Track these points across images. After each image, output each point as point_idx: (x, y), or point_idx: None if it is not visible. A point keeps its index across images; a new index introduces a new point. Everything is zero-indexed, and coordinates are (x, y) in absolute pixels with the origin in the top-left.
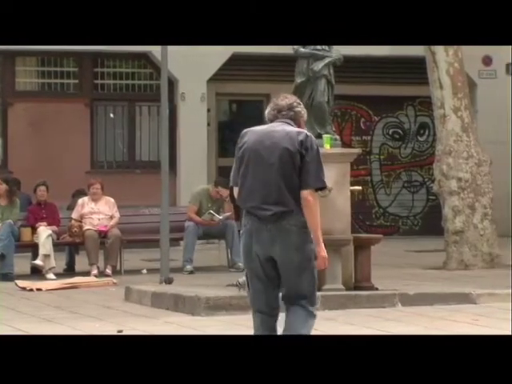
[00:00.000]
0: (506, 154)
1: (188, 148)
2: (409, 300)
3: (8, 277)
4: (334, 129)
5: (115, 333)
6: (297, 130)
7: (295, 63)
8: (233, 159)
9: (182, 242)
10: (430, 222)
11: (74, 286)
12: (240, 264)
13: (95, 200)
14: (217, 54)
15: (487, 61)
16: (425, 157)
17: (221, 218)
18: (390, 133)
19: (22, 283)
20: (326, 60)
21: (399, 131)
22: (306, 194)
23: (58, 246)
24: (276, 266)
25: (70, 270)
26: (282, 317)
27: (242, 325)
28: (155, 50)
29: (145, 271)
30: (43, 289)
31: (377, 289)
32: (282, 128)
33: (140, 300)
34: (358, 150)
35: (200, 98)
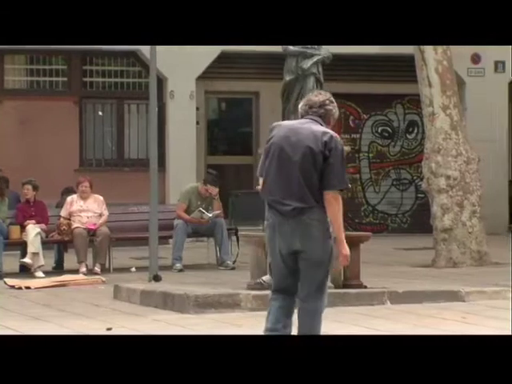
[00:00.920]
0: (494, 151)
1: (177, 146)
2: (398, 298)
3: None
4: None
5: (104, 331)
6: (322, 129)
7: (284, 61)
8: (221, 157)
9: (171, 240)
10: (419, 220)
11: (62, 284)
12: (229, 262)
13: (84, 198)
14: (206, 52)
15: (476, 59)
16: (414, 155)
17: (210, 215)
18: (379, 131)
19: (10, 281)
20: (315, 58)
21: (388, 129)
22: (329, 194)
23: (46, 243)
24: (297, 260)
25: (58, 268)
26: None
27: (230, 323)
28: (144, 48)
29: (134, 269)
30: (32, 287)
31: (366, 287)
32: (308, 126)
33: (129, 298)
34: (347, 148)
35: (189, 96)
